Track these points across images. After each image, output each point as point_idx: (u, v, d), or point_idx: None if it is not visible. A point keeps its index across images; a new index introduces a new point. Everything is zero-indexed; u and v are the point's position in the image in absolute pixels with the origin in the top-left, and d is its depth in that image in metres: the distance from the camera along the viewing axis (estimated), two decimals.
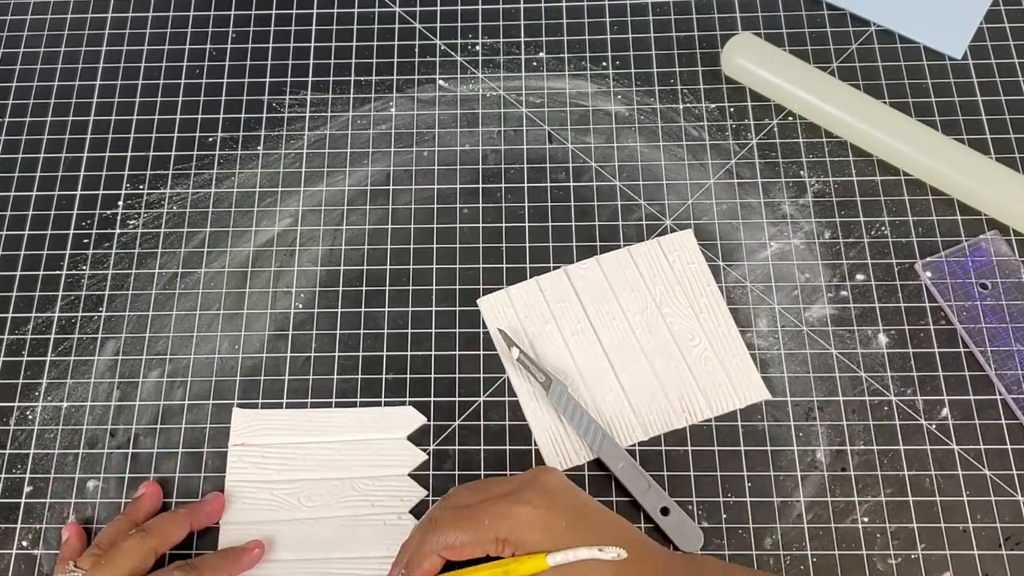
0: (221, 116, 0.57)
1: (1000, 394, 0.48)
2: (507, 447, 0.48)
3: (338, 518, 0.47)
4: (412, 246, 0.53)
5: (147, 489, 0.47)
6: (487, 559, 0.40)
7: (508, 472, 0.48)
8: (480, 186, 0.55)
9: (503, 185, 0.55)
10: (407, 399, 0.49)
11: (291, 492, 0.47)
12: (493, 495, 0.40)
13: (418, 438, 0.48)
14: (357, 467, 0.48)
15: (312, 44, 0.60)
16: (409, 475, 0.47)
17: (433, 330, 0.51)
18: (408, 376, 0.50)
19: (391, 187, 0.55)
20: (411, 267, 0.53)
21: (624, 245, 0.52)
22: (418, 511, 0.47)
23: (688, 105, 0.56)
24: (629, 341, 0.50)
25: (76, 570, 0.42)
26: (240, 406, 0.50)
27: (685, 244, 0.52)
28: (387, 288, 0.52)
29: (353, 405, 0.49)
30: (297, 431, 0.49)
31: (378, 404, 0.49)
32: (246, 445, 0.48)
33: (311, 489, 0.47)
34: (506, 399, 0.49)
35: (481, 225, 0.54)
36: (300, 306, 0.52)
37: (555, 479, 0.41)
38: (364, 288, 0.52)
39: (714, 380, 0.49)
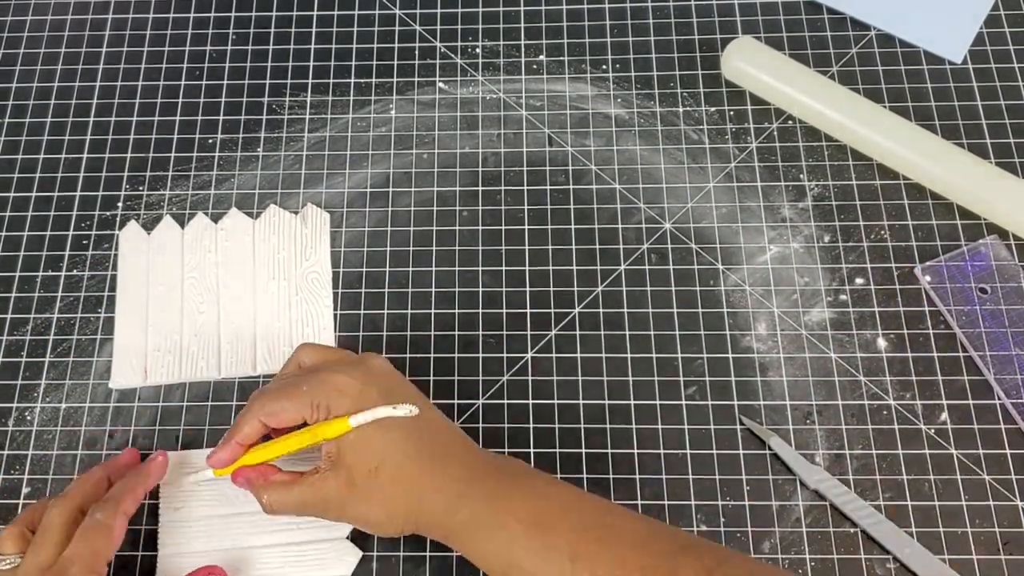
0: (221, 117, 0.57)
1: (999, 399, 0.48)
2: (506, 450, 0.48)
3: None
4: (411, 248, 0.53)
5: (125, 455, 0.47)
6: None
7: None
8: (479, 189, 0.55)
9: (503, 188, 0.55)
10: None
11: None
12: (318, 368, 0.42)
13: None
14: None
15: (312, 46, 0.60)
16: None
17: (432, 333, 0.51)
18: (407, 378, 0.50)
19: (391, 189, 0.55)
20: (410, 269, 0.53)
21: (623, 247, 0.52)
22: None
23: (688, 108, 0.56)
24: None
25: (5, 557, 0.40)
26: (239, 407, 0.50)
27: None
28: (386, 290, 0.52)
29: None
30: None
31: None
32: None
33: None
34: (504, 402, 0.49)
35: (480, 228, 0.54)
36: None
37: (381, 362, 0.43)
38: (363, 290, 0.52)
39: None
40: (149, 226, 0.54)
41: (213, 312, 0.52)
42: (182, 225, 0.54)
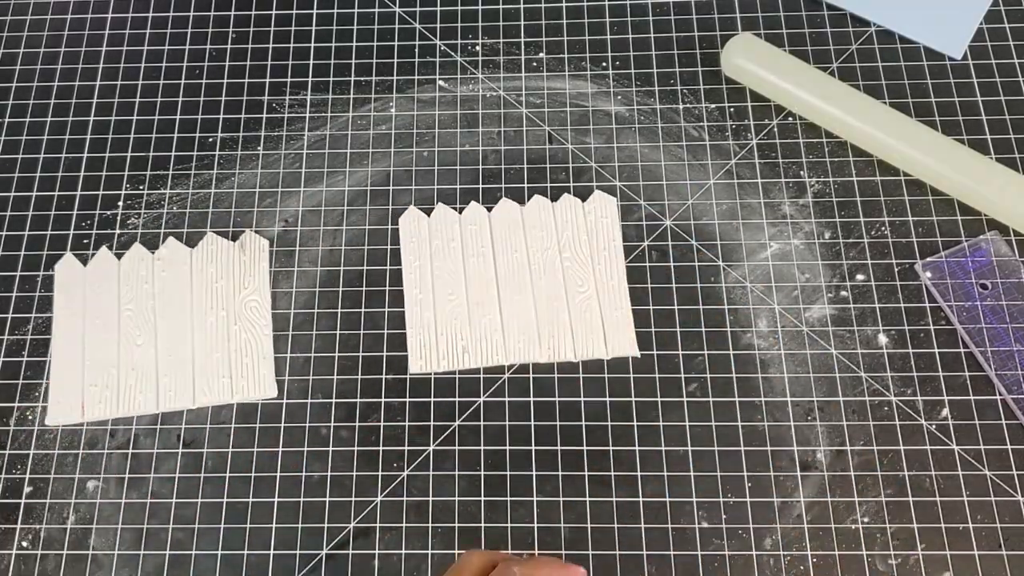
0: (221, 116, 0.57)
1: (1000, 394, 0.48)
2: (507, 447, 0.48)
3: None
4: None
5: None
6: None
7: (508, 473, 0.48)
8: (480, 186, 0.55)
9: (503, 185, 0.55)
10: (407, 399, 0.49)
11: None
12: None
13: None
14: None
15: (312, 44, 0.60)
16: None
17: None
18: (408, 376, 0.50)
19: (391, 187, 0.55)
20: None
21: (624, 244, 0.52)
22: None
23: (688, 105, 0.56)
24: (522, 274, 0.52)
25: None
26: (241, 404, 0.50)
27: (605, 204, 0.53)
28: (387, 288, 0.52)
29: (353, 406, 0.49)
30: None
31: (378, 404, 0.49)
32: None
33: None
34: (506, 399, 0.49)
35: None
36: (300, 307, 0.52)
37: None
38: (364, 288, 0.52)
39: (589, 327, 0.50)
40: (150, 225, 0.54)
41: (150, 345, 0.51)
42: (185, 224, 0.54)
